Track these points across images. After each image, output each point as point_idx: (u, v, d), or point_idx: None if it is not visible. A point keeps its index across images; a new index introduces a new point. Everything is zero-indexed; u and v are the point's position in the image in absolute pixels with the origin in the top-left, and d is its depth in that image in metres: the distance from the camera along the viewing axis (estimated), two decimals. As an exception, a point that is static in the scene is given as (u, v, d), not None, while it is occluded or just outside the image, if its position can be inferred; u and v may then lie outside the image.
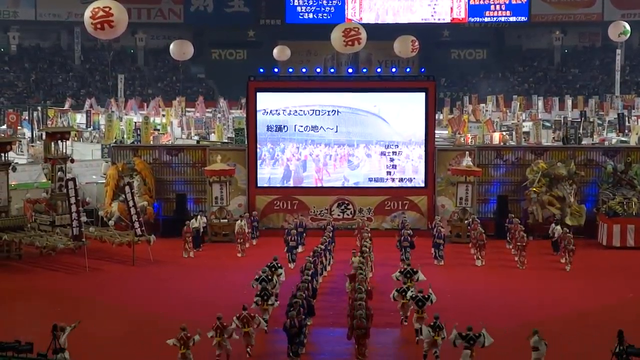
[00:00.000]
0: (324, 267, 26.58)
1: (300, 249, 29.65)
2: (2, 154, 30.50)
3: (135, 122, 50.42)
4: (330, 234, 29.19)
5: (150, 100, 70.67)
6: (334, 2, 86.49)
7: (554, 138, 50.61)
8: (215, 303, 23.72)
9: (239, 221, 31.50)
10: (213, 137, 51.81)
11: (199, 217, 32.01)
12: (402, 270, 23.54)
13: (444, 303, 22.85)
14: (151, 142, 43.42)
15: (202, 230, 31.85)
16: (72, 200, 28.83)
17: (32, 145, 46.76)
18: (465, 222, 32.45)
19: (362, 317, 18.76)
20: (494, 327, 21.11)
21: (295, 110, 34.61)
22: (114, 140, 44.92)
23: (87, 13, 32.29)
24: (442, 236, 29.36)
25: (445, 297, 24.34)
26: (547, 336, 18.31)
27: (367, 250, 25.94)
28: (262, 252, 28.79)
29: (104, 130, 50.28)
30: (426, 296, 20.81)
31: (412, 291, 21.60)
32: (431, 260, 28.57)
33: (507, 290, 25.93)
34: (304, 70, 37.40)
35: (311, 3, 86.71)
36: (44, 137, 35.11)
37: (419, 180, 34.60)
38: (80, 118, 60.15)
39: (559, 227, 30.56)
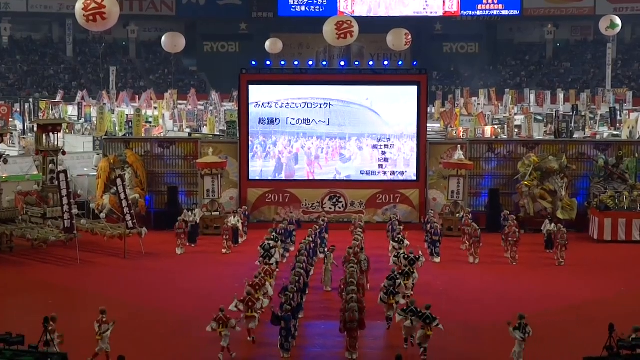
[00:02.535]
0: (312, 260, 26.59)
1: (292, 248, 29.44)
2: (-6, 146, 30.47)
3: (127, 115, 50.36)
4: (321, 229, 29.11)
5: (142, 92, 70.58)
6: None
7: (545, 132, 50.68)
8: (207, 296, 23.74)
9: (232, 217, 31.31)
10: (205, 130, 51.79)
11: (196, 210, 31.91)
12: (396, 239, 27.02)
13: (441, 298, 22.93)
14: (143, 135, 43.36)
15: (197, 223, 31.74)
16: (64, 192, 28.79)
17: (24, 138, 46.72)
18: (458, 215, 32.48)
19: (354, 310, 18.78)
20: (489, 322, 21.18)
21: (287, 103, 34.61)
22: (105, 133, 44.85)
23: (79, 5, 32.16)
24: (439, 233, 29.24)
25: (440, 290, 24.45)
26: (540, 330, 18.35)
27: (357, 245, 25.95)
28: (255, 245, 28.68)
29: (95, 122, 50.22)
30: (417, 256, 24.19)
31: (403, 252, 24.91)
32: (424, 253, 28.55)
33: (500, 285, 25.95)
34: (296, 63, 37.40)
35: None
36: (35, 129, 35.01)
37: (411, 174, 34.63)
38: (71, 110, 60.05)
39: (546, 222, 30.60)
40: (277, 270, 24.79)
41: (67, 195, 28.81)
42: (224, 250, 29.89)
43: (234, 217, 31.36)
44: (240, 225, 31.29)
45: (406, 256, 24.37)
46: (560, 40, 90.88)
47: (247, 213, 32.97)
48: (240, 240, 31.33)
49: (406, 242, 26.74)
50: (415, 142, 34.45)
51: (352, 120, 34.65)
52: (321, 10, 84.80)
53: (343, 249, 25.76)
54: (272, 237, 26.83)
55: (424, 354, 18.67)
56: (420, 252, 24.76)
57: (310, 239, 26.63)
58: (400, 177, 34.73)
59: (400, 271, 23.21)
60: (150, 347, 19.17)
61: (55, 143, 32.35)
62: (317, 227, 28.86)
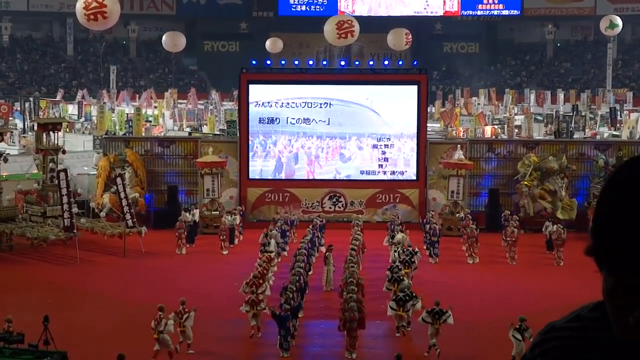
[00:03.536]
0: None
1: (287, 247, 29.40)
2: (-6, 145, 30.48)
3: (127, 114, 50.40)
4: (315, 228, 29.12)
5: (142, 91, 70.55)
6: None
7: (545, 132, 50.68)
8: (206, 295, 23.74)
9: (229, 217, 31.17)
10: (205, 129, 51.78)
11: (194, 210, 31.86)
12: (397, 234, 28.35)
13: (440, 299, 22.94)
14: (143, 134, 43.36)
15: (195, 223, 31.69)
16: (64, 191, 28.82)
17: (24, 136, 46.70)
18: (457, 215, 32.47)
19: (354, 309, 18.81)
20: (488, 321, 21.21)
21: (288, 103, 34.59)
22: (105, 132, 44.86)
23: (80, 4, 32.15)
24: (437, 233, 29.23)
25: (439, 291, 24.45)
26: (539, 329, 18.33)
27: (358, 245, 26.00)
28: (253, 245, 28.68)
29: (95, 121, 50.24)
30: (414, 250, 25.59)
31: (401, 247, 26.03)
32: (423, 253, 28.55)
33: (500, 286, 25.97)
34: (296, 62, 37.44)
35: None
36: (35, 128, 35.03)
37: (411, 174, 34.62)
38: (72, 109, 60.03)
39: (548, 223, 30.52)
40: (278, 261, 25.85)
41: (67, 194, 28.84)
42: (224, 252, 29.82)
43: (230, 216, 31.23)
44: (235, 223, 31.11)
45: (404, 250, 25.30)
46: (561, 40, 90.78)
47: (242, 213, 32.80)
48: (236, 240, 31.20)
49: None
50: (415, 141, 34.44)
51: (352, 120, 34.64)
52: (321, 9, 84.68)
53: (341, 248, 25.80)
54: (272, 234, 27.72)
55: (401, 330, 20.10)
56: (417, 247, 25.91)
57: (309, 238, 26.68)
58: (400, 177, 34.73)
59: (400, 260, 24.29)
60: (150, 346, 19.16)
61: (56, 142, 32.37)
62: (313, 227, 28.88)
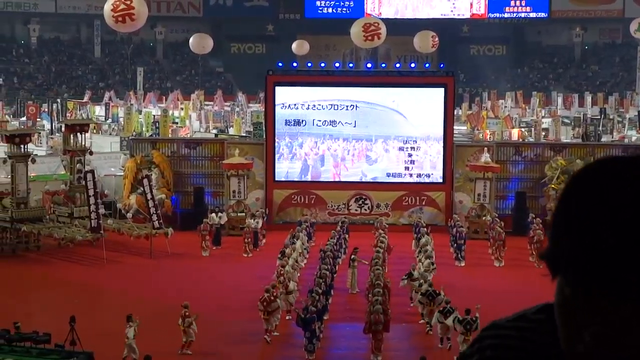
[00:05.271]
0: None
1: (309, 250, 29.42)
2: (22, 146, 30.63)
3: (154, 115, 50.64)
4: (342, 231, 29.10)
5: (169, 93, 70.85)
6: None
7: (573, 135, 50.45)
8: (231, 296, 23.78)
9: (252, 220, 31.08)
10: (231, 131, 51.90)
11: (221, 213, 31.89)
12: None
13: (466, 302, 22.86)
14: (170, 135, 43.50)
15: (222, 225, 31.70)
16: (91, 192, 28.98)
17: (52, 137, 47.02)
18: (484, 217, 32.33)
19: (379, 312, 18.78)
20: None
21: (314, 105, 34.56)
22: (132, 133, 45.06)
23: (108, 6, 32.29)
24: (464, 236, 29.15)
25: (465, 294, 24.38)
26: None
27: (383, 247, 25.97)
28: (277, 247, 28.67)
29: (122, 122, 50.49)
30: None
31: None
32: (449, 256, 28.47)
33: (526, 289, 25.77)
34: (322, 64, 37.48)
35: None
36: (63, 129, 35.23)
37: (437, 176, 34.51)
38: (99, 110, 60.41)
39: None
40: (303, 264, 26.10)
41: (94, 195, 29.00)
42: (245, 254, 29.75)
43: (254, 219, 31.15)
44: (259, 225, 31.08)
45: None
46: (589, 43, 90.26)
47: (265, 216, 32.56)
48: (263, 241, 31.17)
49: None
50: (442, 144, 34.31)
51: (379, 122, 34.57)
52: (348, 12, 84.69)
53: (365, 251, 25.77)
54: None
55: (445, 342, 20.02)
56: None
57: (334, 240, 26.64)
58: (427, 180, 34.61)
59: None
60: (176, 346, 19.21)
61: (83, 143, 32.53)
62: (339, 229, 28.86)
